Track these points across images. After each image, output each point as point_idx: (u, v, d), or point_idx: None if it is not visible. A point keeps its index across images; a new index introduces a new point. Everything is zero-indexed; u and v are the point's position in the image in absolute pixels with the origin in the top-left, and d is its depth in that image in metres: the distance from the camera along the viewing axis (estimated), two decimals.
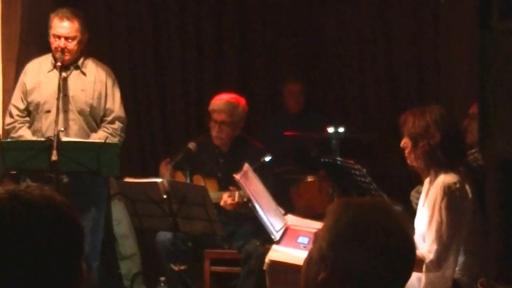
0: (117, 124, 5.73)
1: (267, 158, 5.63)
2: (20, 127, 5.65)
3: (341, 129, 6.57)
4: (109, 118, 5.72)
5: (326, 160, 5.40)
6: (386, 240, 1.96)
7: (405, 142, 4.15)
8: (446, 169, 4.07)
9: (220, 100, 5.90)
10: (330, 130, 6.54)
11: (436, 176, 4.09)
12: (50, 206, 1.69)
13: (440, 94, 6.89)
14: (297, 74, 7.65)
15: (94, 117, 5.70)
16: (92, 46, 5.92)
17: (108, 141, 5.44)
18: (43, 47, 5.78)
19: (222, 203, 5.58)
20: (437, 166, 4.09)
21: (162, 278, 5.46)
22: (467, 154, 4.90)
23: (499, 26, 3.96)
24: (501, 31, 3.95)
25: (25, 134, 5.61)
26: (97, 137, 5.58)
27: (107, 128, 5.69)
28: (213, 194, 5.38)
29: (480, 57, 4.11)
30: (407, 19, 7.43)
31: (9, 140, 5.51)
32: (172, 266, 5.29)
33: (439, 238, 3.97)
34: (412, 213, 4.43)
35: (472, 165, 5.04)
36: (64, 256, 1.68)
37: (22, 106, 5.68)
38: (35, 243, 1.65)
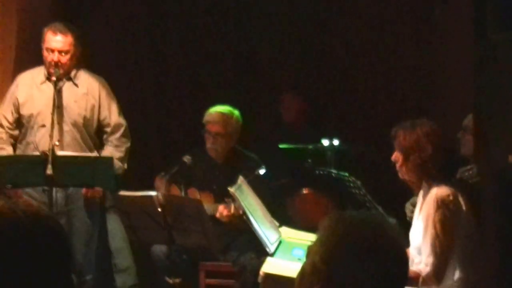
0: (119, 133, 5.72)
1: (262, 171, 5.63)
2: (5, 142, 5.62)
3: (336, 142, 6.55)
4: (109, 129, 5.72)
5: (322, 172, 5.40)
6: (379, 254, 1.95)
7: (396, 155, 4.15)
8: (438, 182, 4.06)
9: (214, 112, 5.90)
10: (325, 142, 6.53)
11: (429, 189, 4.08)
12: (34, 222, 1.66)
13: (435, 106, 6.88)
14: (293, 86, 7.65)
15: (88, 129, 5.69)
16: (89, 59, 5.91)
17: (115, 155, 5.53)
18: (40, 62, 5.76)
19: (218, 215, 5.58)
20: (429, 179, 4.08)
21: None
22: (463, 171, 4.90)
23: (494, 37, 3.96)
24: (497, 42, 3.95)
25: (8, 149, 5.59)
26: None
27: (111, 141, 5.69)
28: (208, 206, 5.37)
29: (476, 68, 4.12)
30: (403, 31, 7.43)
31: (4, 155, 5.50)
32: (167, 279, 5.27)
33: (435, 251, 3.95)
34: (406, 225, 4.42)
35: (468, 182, 5.03)
36: (51, 270, 1.66)
37: (11, 119, 5.66)
38: (20, 259, 1.62)
